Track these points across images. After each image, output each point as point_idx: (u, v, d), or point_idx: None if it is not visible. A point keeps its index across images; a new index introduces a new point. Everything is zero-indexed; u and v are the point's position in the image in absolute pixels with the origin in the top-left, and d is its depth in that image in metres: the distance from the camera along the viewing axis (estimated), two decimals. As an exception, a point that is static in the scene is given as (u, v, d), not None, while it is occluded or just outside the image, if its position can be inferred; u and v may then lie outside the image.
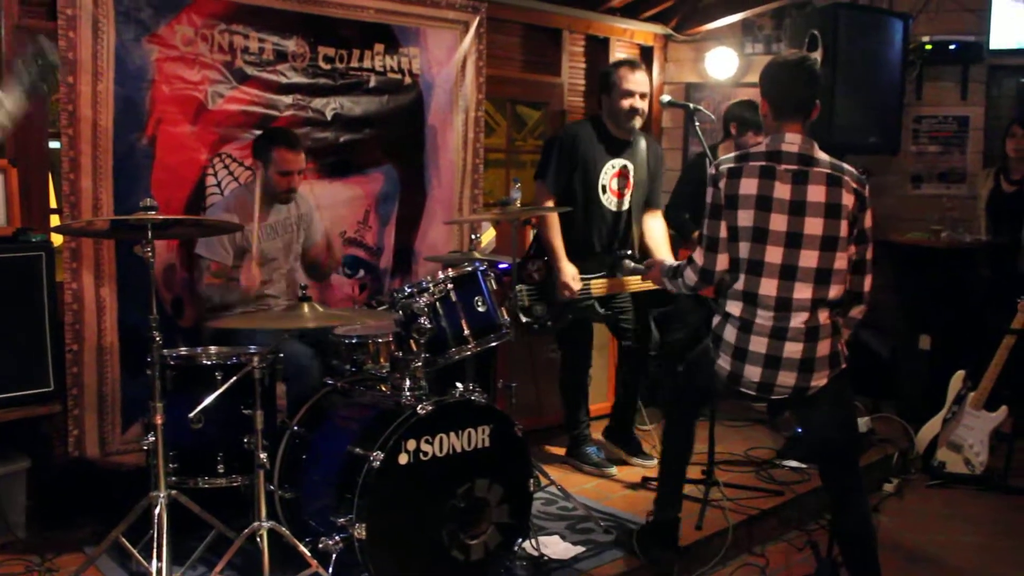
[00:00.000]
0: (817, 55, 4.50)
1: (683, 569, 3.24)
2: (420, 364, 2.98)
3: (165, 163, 3.55)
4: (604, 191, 3.92)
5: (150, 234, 2.68)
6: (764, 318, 2.71)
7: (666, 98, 3.90)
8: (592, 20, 5.33)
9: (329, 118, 4.02)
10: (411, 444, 2.68)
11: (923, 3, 5.41)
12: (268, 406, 2.90)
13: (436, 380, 3.19)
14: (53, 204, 3.53)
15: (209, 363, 2.95)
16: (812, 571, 3.20)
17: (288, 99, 3.87)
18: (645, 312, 4.07)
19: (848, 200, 2.68)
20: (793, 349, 2.70)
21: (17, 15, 3.26)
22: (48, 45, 2.39)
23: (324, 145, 4.01)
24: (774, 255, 2.68)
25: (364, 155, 4.18)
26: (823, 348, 2.72)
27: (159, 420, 2.69)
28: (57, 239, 3.33)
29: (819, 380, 2.74)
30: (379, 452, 2.63)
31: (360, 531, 2.60)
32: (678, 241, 4.48)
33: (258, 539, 2.69)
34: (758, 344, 2.72)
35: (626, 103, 3.81)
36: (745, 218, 2.70)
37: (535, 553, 3.04)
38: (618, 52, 5.49)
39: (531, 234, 4.11)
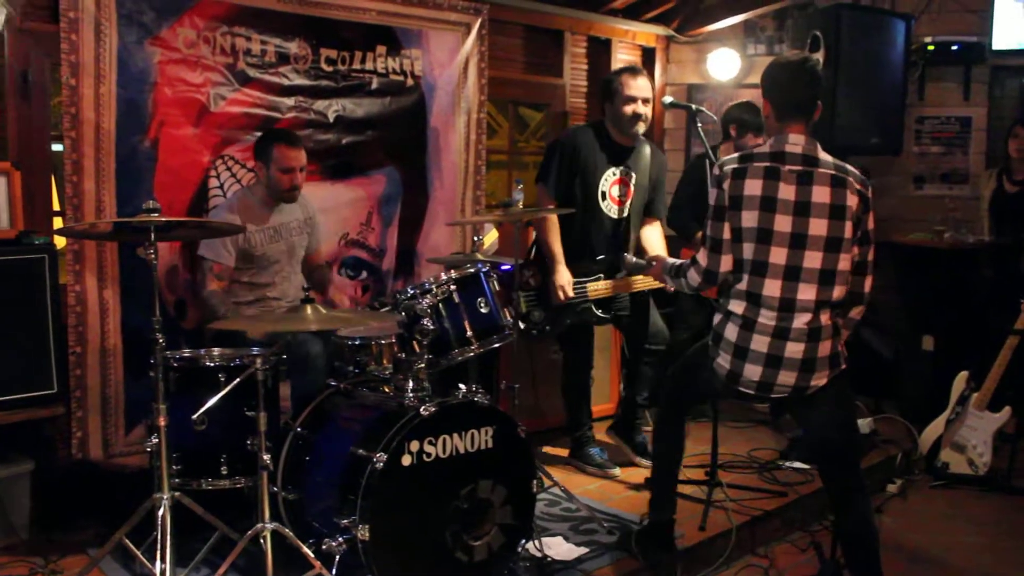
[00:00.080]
0: (819, 56, 4.51)
1: (686, 570, 3.23)
2: (423, 365, 2.98)
3: (168, 165, 3.56)
4: (604, 198, 3.92)
5: (153, 236, 2.68)
6: (767, 318, 2.71)
7: (668, 99, 3.90)
8: (594, 21, 5.33)
9: (331, 120, 4.02)
10: (414, 445, 2.68)
11: (925, 4, 5.41)
12: (271, 407, 2.90)
13: (439, 381, 3.19)
14: (56, 207, 3.53)
15: (212, 365, 2.95)
16: (816, 572, 3.20)
17: (290, 101, 3.87)
18: (646, 308, 4.05)
19: (852, 201, 2.68)
20: (795, 349, 2.70)
21: (19, 18, 3.27)
22: None
23: (326, 147, 4.02)
24: (778, 256, 2.68)
25: (366, 157, 4.19)
26: (824, 348, 2.72)
27: (162, 422, 2.69)
28: (60, 242, 3.34)
29: (819, 380, 2.74)
30: (382, 453, 2.63)
31: (363, 532, 2.60)
32: (680, 242, 4.49)
33: (261, 540, 2.69)
34: (759, 343, 2.72)
35: (629, 109, 3.81)
36: (749, 219, 2.70)
37: (538, 554, 3.03)
38: (620, 53, 5.50)
39: (533, 236, 4.12)
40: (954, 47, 5.36)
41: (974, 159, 5.52)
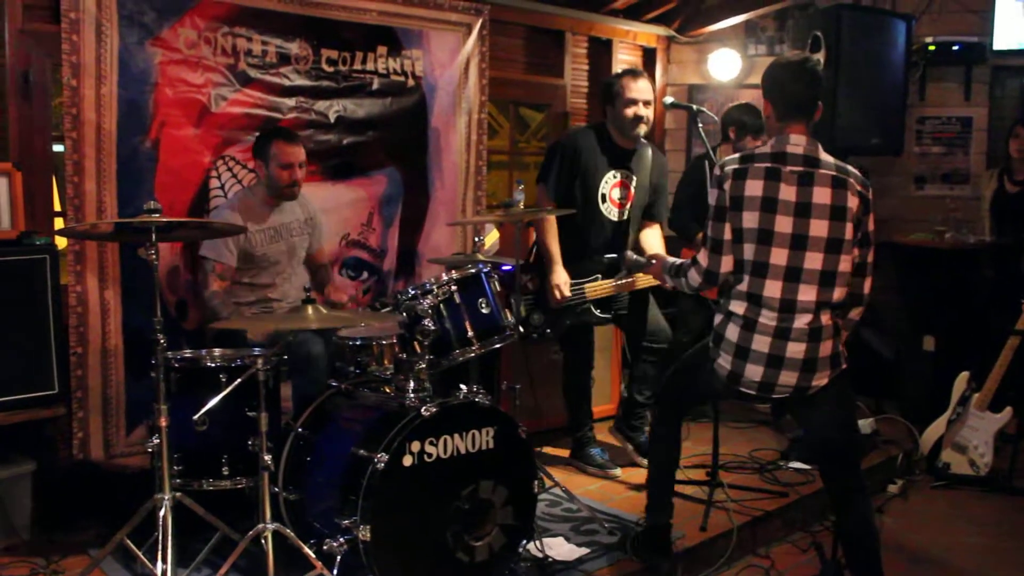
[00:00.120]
0: (820, 56, 4.51)
1: (687, 570, 3.23)
2: (424, 366, 2.98)
3: (169, 166, 3.56)
4: (604, 200, 3.92)
5: (154, 237, 2.69)
6: (768, 318, 2.71)
7: (669, 100, 3.90)
8: (595, 22, 5.33)
9: (332, 120, 4.02)
10: (415, 446, 2.68)
11: (926, 4, 5.41)
12: (272, 408, 2.90)
13: (440, 382, 3.19)
14: (57, 207, 3.53)
15: (213, 365, 2.95)
16: (817, 573, 3.19)
17: (291, 101, 3.88)
18: (644, 306, 4.05)
19: (853, 203, 2.68)
20: (796, 349, 2.70)
21: (20, 19, 3.27)
22: None
23: (327, 147, 4.02)
24: (779, 257, 2.67)
25: (367, 157, 4.19)
26: (825, 349, 2.72)
27: (163, 422, 2.70)
28: (61, 242, 3.34)
29: (820, 380, 2.74)
30: (383, 454, 2.63)
31: (364, 533, 2.60)
32: (680, 243, 4.48)
33: (262, 541, 2.69)
34: (761, 343, 2.72)
35: (630, 111, 3.81)
36: (750, 219, 2.69)
37: (539, 555, 3.04)
38: (621, 54, 5.50)
39: (533, 237, 4.12)
40: (955, 47, 5.36)
41: (975, 159, 5.52)
